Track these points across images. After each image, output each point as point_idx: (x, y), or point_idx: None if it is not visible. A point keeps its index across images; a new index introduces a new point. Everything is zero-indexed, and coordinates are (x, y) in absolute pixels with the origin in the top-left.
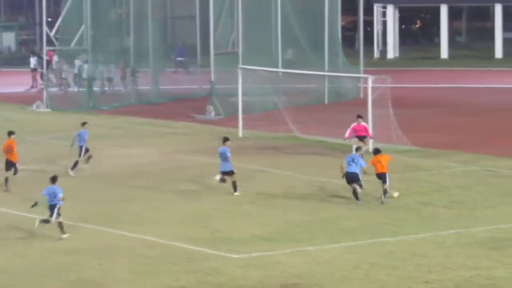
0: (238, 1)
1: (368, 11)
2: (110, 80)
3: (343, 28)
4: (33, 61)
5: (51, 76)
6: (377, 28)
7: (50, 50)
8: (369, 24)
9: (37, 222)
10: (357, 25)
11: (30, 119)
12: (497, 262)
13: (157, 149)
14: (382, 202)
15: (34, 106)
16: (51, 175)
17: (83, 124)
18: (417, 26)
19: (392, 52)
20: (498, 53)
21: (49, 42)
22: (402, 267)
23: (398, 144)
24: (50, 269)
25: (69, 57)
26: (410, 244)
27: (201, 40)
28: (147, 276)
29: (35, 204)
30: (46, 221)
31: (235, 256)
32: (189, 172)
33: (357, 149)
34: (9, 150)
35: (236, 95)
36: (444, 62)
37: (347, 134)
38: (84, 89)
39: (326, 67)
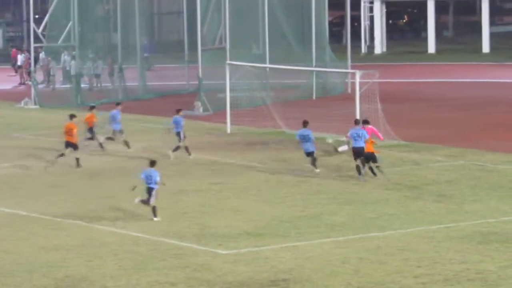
0: None
1: (355, 6)
2: (97, 76)
3: (330, 23)
4: (20, 58)
5: (39, 73)
6: (364, 23)
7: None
8: (356, 19)
9: (137, 200)
10: (345, 20)
11: (18, 115)
12: (486, 256)
13: (145, 145)
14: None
15: (22, 103)
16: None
17: (178, 111)
18: (404, 21)
19: (379, 47)
20: (485, 47)
21: (37, 39)
22: (391, 262)
23: (386, 139)
24: (38, 265)
25: (56, 54)
26: (398, 239)
27: (188, 35)
28: (135, 272)
29: (135, 187)
30: (144, 202)
31: (224, 252)
32: (177, 168)
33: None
34: (69, 132)
35: (224, 90)
36: (431, 57)
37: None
38: (71, 86)
39: (314, 63)
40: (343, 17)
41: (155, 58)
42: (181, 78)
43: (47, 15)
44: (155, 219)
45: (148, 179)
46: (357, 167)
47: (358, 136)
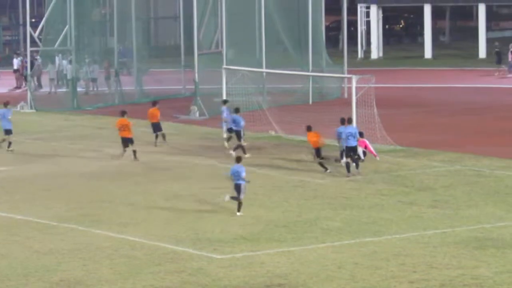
0: (222, 1)
1: (352, 11)
2: (94, 80)
3: (327, 28)
4: (16, 62)
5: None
6: (361, 28)
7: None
8: (353, 24)
9: (227, 197)
10: (341, 25)
11: (14, 119)
12: (481, 261)
13: (141, 149)
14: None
15: (19, 106)
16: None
17: (237, 110)
18: (400, 26)
19: (376, 52)
20: (482, 52)
21: (33, 42)
22: (386, 267)
23: (382, 144)
24: (33, 269)
25: (52, 58)
26: (394, 244)
27: (185, 40)
28: (131, 276)
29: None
30: (235, 199)
31: (219, 256)
32: (173, 172)
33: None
34: (123, 128)
35: (220, 95)
36: (427, 62)
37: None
38: (66, 90)
39: (310, 67)
40: (339, 22)
41: (151, 62)
42: (177, 82)
43: (44, 19)
44: (238, 213)
45: (236, 175)
46: (347, 164)
47: (352, 135)
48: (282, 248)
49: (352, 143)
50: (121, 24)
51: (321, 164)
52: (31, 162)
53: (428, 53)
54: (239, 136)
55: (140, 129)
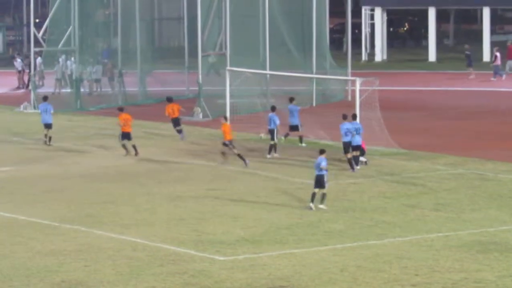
0: (226, 3)
1: (356, 13)
2: (97, 81)
3: (331, 30)
4: (19, 62)
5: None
6: (365, 30)
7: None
8: (357, 26)
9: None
10: (345, 28)
11: (17, 120)
12: (484, 265)
13: (144, 150)
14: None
15: (22, 107)
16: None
17: (273, 109)
18: (405, 28)
19: (380, 54)
20: (486, 56)
21: (37, 43)
22: (388, 270)
23: (385, 147)
24: (35, 270)
25: (58, 58)
26: (397, 247)
27: (189, 41)
28: (133, 277)
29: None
30: (323, 195)
31: (221, 258)
32: (175, 173)
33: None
34: (127, 122)
35: (223, 96)
36: (431, 65)
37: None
38: (70, 90)
39: (314, 70)
40: (343, 24)
41: (155, 63)
42: (181, 84)
43: (48, 19)
44: (320, 206)
45: (317, 167)
46: (349, 160)
47: (358, 130)
48: (285, 251)
49: (359, 140)
50: (125, 25)
51: (240, 156)
52: (34, 163)
53: (432, 56)
54: (273, 135)
55: (140, 130)
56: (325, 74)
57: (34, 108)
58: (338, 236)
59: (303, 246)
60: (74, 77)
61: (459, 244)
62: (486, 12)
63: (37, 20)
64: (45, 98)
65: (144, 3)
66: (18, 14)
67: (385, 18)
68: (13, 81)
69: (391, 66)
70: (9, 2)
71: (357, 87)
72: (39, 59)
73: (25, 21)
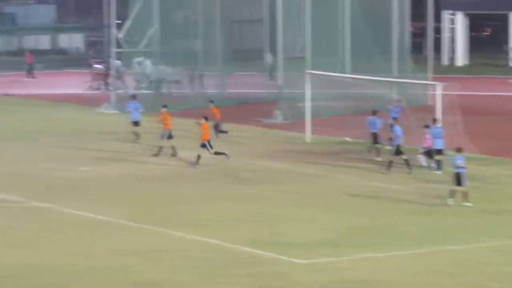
0: (306, 6)
1: (437, 17)
2: (177, 82)
3: (411, 34)
4: (99, 66)
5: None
6: (446, 34)
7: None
8: (437, 30)
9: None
10: (425, 32)
11: (98, 120)
12: None
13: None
14: None
15: (102, 108)
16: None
17: (374, 112)
18: (486, 33)
19: (461, 59)
20: None
21: (117, 44)
22: (467, 275)
23: (466, 152)
24: (112, 269)
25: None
26: (476, 253)
27: (270, 43)
28: (209, 279)
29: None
30: (464, 193)
31: (298, 261)
32: (252, 175)
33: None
34: (168, 121)
35: (303, 99)
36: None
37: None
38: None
39: (395, 73)
40: (424, 28)
41: (234, 65)
42: (260, 86)
43: (129, 21)
44: (466, 204)
45: (454, 165)
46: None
47: (439, 135)
48: (362, 254)
49: (440, 144)
50: (205, 27)
51: (217, 153)
52: (113, 163)
53: None
54: (375, 139)
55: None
56: (405, 77)
57: (114, 109)
58: (413, 240)
59: (381, 250)
60: (154, 78)
61: None
62: None
63: (119, 21)
64: (134, 97)
65: (225, 5)
66: (99, 14)
67: (466, 22)
68: (89, 82)
69: (472, 70)
70: (91, 3)
71: (438, 91)
72: (119, 61)
73: (105, 22)
